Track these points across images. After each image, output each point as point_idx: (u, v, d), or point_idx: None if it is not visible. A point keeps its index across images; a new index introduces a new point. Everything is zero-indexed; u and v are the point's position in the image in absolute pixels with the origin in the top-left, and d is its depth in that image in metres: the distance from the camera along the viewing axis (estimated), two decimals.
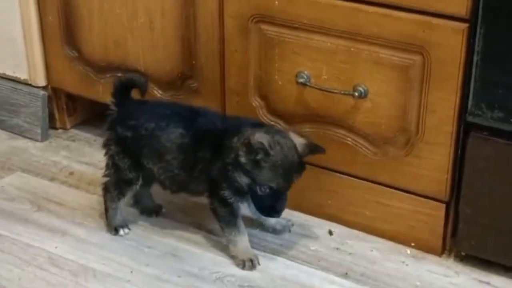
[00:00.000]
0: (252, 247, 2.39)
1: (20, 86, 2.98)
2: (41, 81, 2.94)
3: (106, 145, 2.44)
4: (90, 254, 2.41)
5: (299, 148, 2.22)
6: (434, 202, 2.35)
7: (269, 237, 2.49)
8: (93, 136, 3.03)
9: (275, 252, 2.42)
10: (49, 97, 2.99)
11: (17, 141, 3.01)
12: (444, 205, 2.34)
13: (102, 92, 2.83)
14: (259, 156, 2.14)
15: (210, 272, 2.34)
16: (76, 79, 2.88)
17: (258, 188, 2.19)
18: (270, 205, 2.22)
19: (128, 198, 2.50)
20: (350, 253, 2.42)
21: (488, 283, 2.30)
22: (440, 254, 2.40)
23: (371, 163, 2.39)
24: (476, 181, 2.24)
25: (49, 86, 2.97)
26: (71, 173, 2.82)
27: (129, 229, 2.50)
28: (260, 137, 2.14)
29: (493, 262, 2.32)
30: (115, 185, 2.44)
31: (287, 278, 2.32)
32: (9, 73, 2.98)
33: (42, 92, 2.96)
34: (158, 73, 2.67)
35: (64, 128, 3.08)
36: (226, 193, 2.28)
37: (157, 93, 2.70)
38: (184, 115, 2.36)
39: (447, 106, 2.20)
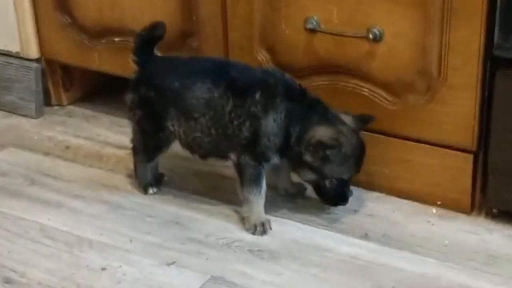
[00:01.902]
0: (264, 211, 2.20)
1: (12, 60, 2.79)
2: (33, 53, 2.75)
3: (130, 109, 2.25)
4: (86, 225, 2.21)
5: (353, 125, 2.11)
6: (461, 153, 2.13)
7: (281, 201, 2.29)
8: (91, 112, 2.84)
9: (288, 216, 2.21)
10: (44, 72, 2.81)
11: (11, 119, 2.82)
12: (471, 156, 2.12)
13: (98, 60, 2.64)
14: (328, 152, 2.05)
15: (217, 238, 2.13)
16: (70, 48, 2.69)
17: (327, 182, 2.11)
18: (340, 195, 2.13)
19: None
20: (369, 215, 2.21)
21: None
22: (469, 212, 2.18)
23: (390, 114, 2.17)
24: (507, 125, 2.02)
25: (43, 59, 2.78)
26: (67, 147, 2.62)
27: (159, 188, 2.34)
28: (324, 134, 2.06)
29: None
30: (144, 150, 2.28)
31: (300, 241, 2.11)
32: (1, 46, 2.80)
33: (35, 65, 2.77)
34: None
35: (61, 105, 2.89)
36: (266, 151, 2.10)
37: None
38: (212, 68, 2.16)
39: (471, 43, 1.99)
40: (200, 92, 2.13)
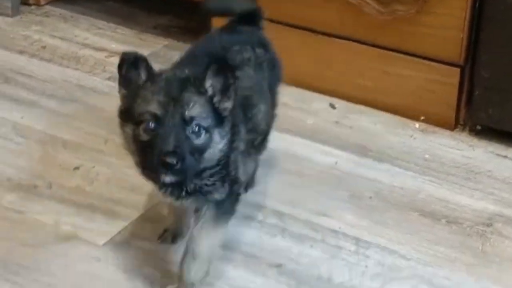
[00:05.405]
0: None
1: None
2: None
3: None
4: (60, 125, 2.16)
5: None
6: (448, 67, 2.08)
7: None
8: (69, 13, 2.74)
9: None
10: None
11: None
12: (458, 70, 2.07)
13: None
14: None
15: None
16: None
17: (141, 129, 1.50)
18: (160, 149, 1.46)
19: None
20: (350, 127, 2.17)
21: (506, 157, 2.05)
22: (453, 128, 2.14)
23: (376, 24, 2.11)
24: (496, 38, 1.96)
25: None
26: (43, 47, 2.54)
27: None
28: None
29: None
30: None
31: (279, 149, 2.06)
32: None
33: None
34: None
35: (38, 4, 2.78)
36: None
37: None
38: None
39: None
40: None
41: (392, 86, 2.17)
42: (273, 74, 1.80)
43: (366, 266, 1.71)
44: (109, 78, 2.37)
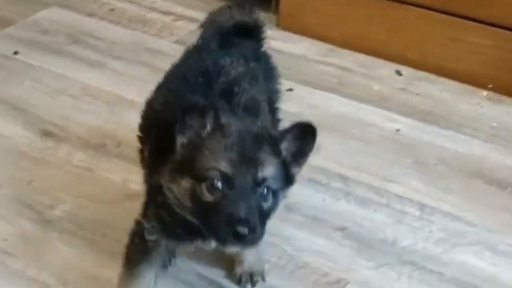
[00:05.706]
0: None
1: None
2: None
3: None
4: (128, 86, 2.19)
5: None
6: None
7: (324, 75, 2.24)
8: None
9: (333, 89, 2.17)
10: None
11: None
12: None
13: None
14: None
15: None
16: None
17: (204, 187, 1.34)
18: (230, 215, 1.31)
19: None
20: (417, 94, 2.16)
21: None
22: None
23: None
24: None
25: None
26: (112, 10, 2.58)
27: None
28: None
29: None
30: None
31: (345, 115, 2.07)
32: None
33: None
34: None
35: None
36: (147, 225, 1.49)
37: None
38: None
39: None
40: None
41: (460, 54, 2.15)
42: (271, 87, 1.66)
43: (430, 232, 1.72)
44: (176, 42, 2.39)
